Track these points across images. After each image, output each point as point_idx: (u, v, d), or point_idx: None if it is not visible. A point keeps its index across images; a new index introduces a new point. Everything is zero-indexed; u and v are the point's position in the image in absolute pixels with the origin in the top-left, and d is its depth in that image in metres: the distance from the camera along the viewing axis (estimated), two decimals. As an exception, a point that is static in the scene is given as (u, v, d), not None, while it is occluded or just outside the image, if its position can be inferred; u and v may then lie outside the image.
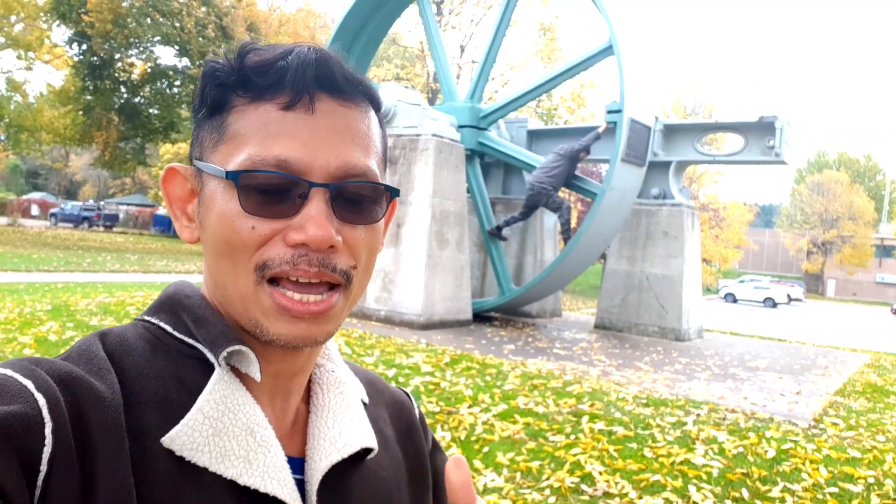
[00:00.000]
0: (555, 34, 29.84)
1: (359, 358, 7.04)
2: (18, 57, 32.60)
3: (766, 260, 68.99)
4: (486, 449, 4.63)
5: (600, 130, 10.53)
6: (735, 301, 38.29)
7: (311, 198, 0.63)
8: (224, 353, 0.65)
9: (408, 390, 0.92)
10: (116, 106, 29.89)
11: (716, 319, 20.39)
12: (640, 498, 3.95)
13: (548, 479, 4.18)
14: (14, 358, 0.60)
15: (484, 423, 5.15)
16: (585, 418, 5.44)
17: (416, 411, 0.90)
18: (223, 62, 0.67)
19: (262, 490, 0.62)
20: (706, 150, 12.29)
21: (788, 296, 39.98)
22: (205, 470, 0.61)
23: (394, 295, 9.92)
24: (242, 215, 0.64)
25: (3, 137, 34.91)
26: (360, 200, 0.67)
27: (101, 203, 48.66)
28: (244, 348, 0.66)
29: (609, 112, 10.12)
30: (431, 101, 28.60)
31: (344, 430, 0.74)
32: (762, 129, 10.66)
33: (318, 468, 0.69)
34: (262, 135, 0.64)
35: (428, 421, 5.01)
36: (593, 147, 10.72)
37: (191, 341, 0.67)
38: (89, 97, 29.33)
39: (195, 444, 0.61)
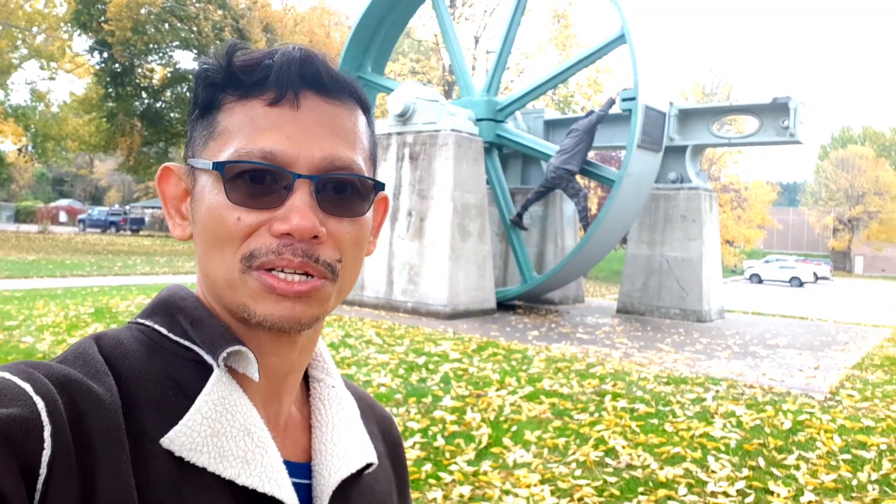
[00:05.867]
0: (569, 21, 29.78)
1: (389, 347, 7.35)
2: (41, 67, 33.36)
3: (792, 239, 68.22)
4: (514, 428, 4.90)
5: (614, 97, 10.77)
6: (761, 282, 37.99)
7: (296, 189, 0.64)
8: (224, 354, 0.66)
9: (390, 413, 0.96)
10: (138, 111, 30.39)
11: (740, 300, 20.41)
12: (661, 469, 4.19)
13: (573, 453, 4.44)
14: (12, 361, 0.61)
15: (511, 404, 5.43)
16: (608, 397, 5.70)
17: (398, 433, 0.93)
18: (213, 63, 0.69)
19: (259, 490, 0.63)
20: (722, 132, 12.41)
21: (815, 274, 39.47)
22: (203, 470, 0.62)
23: (420, 287, 10.21)
24: (229, 207, 0.65)
25: (30, 147, 35.76)
26: (346, 193, 0.68)
27: (127, 207, 49.52)
28: (243, 349, 0.66)
29: (624, 100, 10.29)
30: (448, 94, 28.76)
31: (349, 446, 0.75)
32: (776, 110, 10.78)
33: (328, 483, 0.71)
34: (248, 129, 0.65)
35: (458, 405, 5.31)
36: (611, 134, 10.86)
37: (187, 343, 0.68)
38: (112, 104, 29.85)
39: (194, 444, 0.61)
